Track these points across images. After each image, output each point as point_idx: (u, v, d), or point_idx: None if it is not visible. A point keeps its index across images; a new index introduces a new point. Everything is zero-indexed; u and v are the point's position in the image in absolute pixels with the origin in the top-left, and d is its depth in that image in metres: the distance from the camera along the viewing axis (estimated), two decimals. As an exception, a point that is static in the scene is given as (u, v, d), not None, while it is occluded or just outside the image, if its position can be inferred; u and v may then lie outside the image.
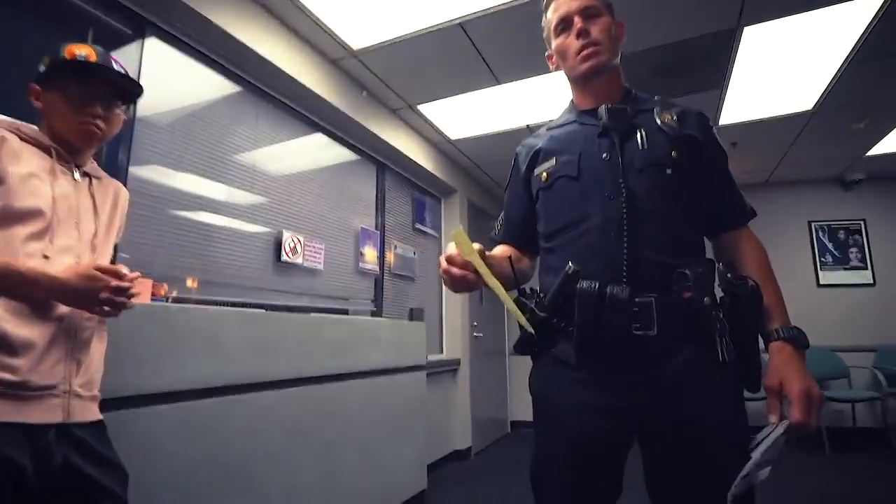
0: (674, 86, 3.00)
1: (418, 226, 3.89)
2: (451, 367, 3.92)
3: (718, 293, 0.92)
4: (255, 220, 2.39)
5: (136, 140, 1.88)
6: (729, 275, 0.92)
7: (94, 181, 1.16)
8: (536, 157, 1.09)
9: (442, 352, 4.04)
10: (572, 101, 1.14)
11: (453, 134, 3.68)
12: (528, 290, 0.98)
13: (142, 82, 1.89)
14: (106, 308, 0.98)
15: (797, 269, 4.80)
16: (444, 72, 2.82)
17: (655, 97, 1.07)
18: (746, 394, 0.93)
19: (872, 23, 2.38)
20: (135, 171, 1.87)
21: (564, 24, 1.04)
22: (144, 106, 1.92)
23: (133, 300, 1.03)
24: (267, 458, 1.79)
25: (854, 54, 2.65)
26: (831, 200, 4.86)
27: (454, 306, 4.12)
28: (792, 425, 0.80)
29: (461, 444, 3.90)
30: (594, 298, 0.87)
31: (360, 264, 3.08)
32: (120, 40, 1.88)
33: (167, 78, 2.05)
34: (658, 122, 0.99)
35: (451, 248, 0.86)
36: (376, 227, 3.35)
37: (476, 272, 0.84)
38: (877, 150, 4.09)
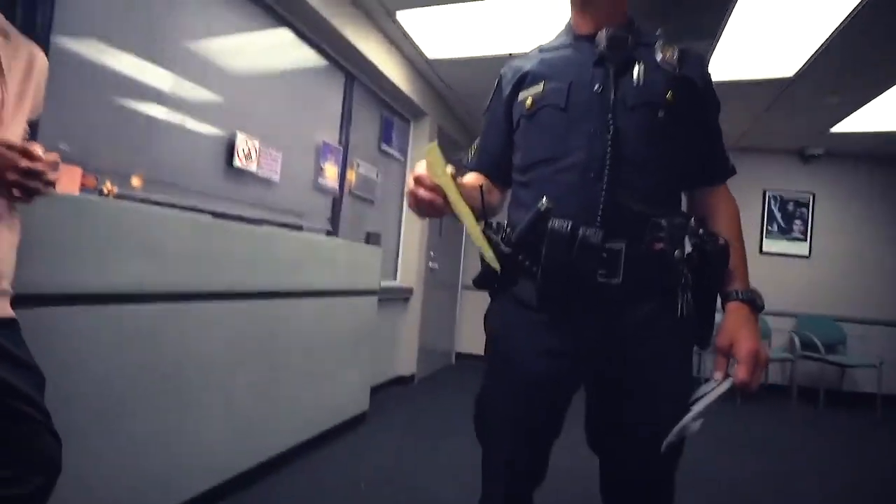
0: (673, 26, 2.86)
1: (384, 147, 3.70)
2: (403, 296, 3.92)
3: (688, 248, 0.90)
4: (206, 117, 2.16)
5: (60, 3, 1.59)
6: (701, 230, 0.89)
7: (0, 39, 0.97)
8: (523, 80, 0.99)
9: (395, 279, 4.02)
10: (569, 22, 1.02)
11: (431, 53, 3.43)
12: (494, 225, 0.92)
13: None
14: (14, 192, 0.84)
15: (744, 235, 5.01)
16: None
17: (658, 30, 0.97)
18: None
19: (873, -9, 2.31)
20: (59, 41, 1.60)
21: None
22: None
23: (50, 187, 0.89)
24: (203, 371, 1.73)
25: (845, 25, 2.59)
26: (788, 172, 5.01)
27: (412, 235, 4.06)
28: (735, 384, 0.81)
29: (406, 370, 4.00)
30: (565, 239, 0.82)
31: (319, 180, 2.92)
32: None
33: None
34: (658, 57, 0.90)
35: (421, 167, 0.77)
36: (339, 143, 3.16)
37: (445, 197, 0.76)
38: (840, 127, 4.18)
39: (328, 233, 3.07)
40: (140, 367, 1.49)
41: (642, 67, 0.90)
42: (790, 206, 4.98)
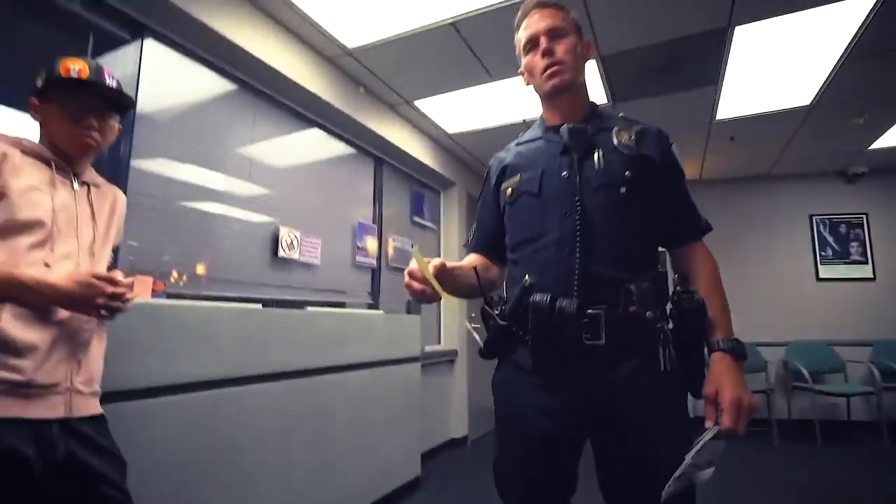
0: (670, 82, 3.01)
1: (416, 218, 3.95)
2: (448, 358, 4.01)
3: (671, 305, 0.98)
4: (251, 216, 2.47)
5: (137, 136, 1.96)
6: (678, 288, 0.98)
7: (92, 189, 1.24)
8: (504, 172, 1.15)
9: (440, 342, 4.13)
10: (541, 115, 1.18)
11: (451, 128, 3.72)
12: (495, 298, 1.05)
13: (140, 82, 1.99)
14: (102, 312, 1.06)
15: (797, 262, 4.81)
16: (439, 69, 2.85)
17: (620, 114, 1.12)
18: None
19: (866, 21, 2.37)
20: (136, 164, 1.96)
21: (532, 43, 1.09)
22: (144, 103, 1.99)
23: (128, 304, 1.11)
24: (259, 449, 1.89)
25: (849, 52, 2.64)
26: (833, 194, 4.84)
27: (452, 299, 4.19)
28: (721, 431, 0.86)
29: (457, 432, 4.01)
30: (545, 310, 0.93)
31: (357, 258, 3.16)
32: (119, 44, 1.94)
33: (165, 78, 2.11)
34: (615, 141, 1.04)
35: (412, 265, 0.93)
36: (373, 221, 3.42)
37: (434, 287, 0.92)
38: (879, 143, 4.06)
39: (369, 305, 3.27)
40: (202, 447, 1.67)
41: (601, 152, 1.03)
42: (842, 229, 4.77)
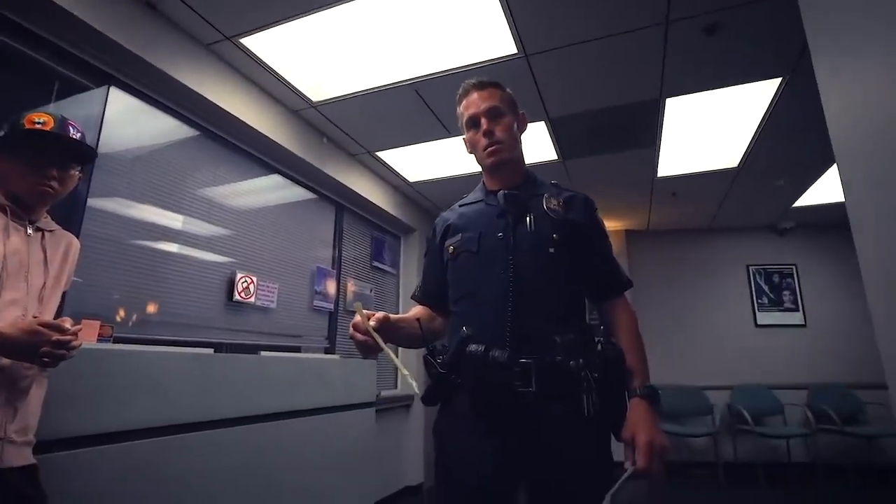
0: (613, 143, 3.28)
1: (376, 263, 4.01)
2: (404, 404, 3.99)
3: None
4: (208, 257, 2.48)
5: (96, 176, 1.98)
6: (602, 339, 1.08)
7: (46, 234, 1.26)
8: (447, 231, 1.26)
9: (397, 387, 4.11)
10: (483, 181, 1.31)
11: (412, 176, 3.87)
12: (438, 347, 1.13)
13: (104, 124, 2.03)
14: (46, 360, 1.07)
15: (737, 310, 5.11)
16: (400, 124, 3.02)
17: (552, 182, 1.26)
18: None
19: (774, 100, 2.70)
20: (93, 203, 1.97)
21: (473, 122, 1.22)
22: (106, 145, 2.03)
23: (73, 351, 1.12)
24: (206, 498, 1.84)
25: (764, 124, 2.98)
26: (766, 246, 5.23)
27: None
28: (636, 471, 0.95)
29: (413, 480, 3.94)
30: (479, 360, 1.02)
31: (315, 302, 3.17)
32: (84, 89, 1.99)
33: (128, 122, 2.16)
34: (545, 206, 1.17)
35: (356, 318, 1.00)
36: (333, 265, 3.47)
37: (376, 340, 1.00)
38: (802, 201, 4.47)
39: (326, 350, 3.26)
40: (145, 497, 1.62)
41: (533, 216, 1.15)
42: (775, 278, 5.13)
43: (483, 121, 1.19)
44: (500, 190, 1.20)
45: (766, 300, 5.09)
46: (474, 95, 1.22)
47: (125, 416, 1.60)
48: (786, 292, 5.08)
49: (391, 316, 1.06)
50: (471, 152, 1.29)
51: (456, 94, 1.30)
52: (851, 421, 4.35)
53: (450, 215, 1.30)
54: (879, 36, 0.97)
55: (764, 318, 5.05)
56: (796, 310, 5.01)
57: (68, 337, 1.08)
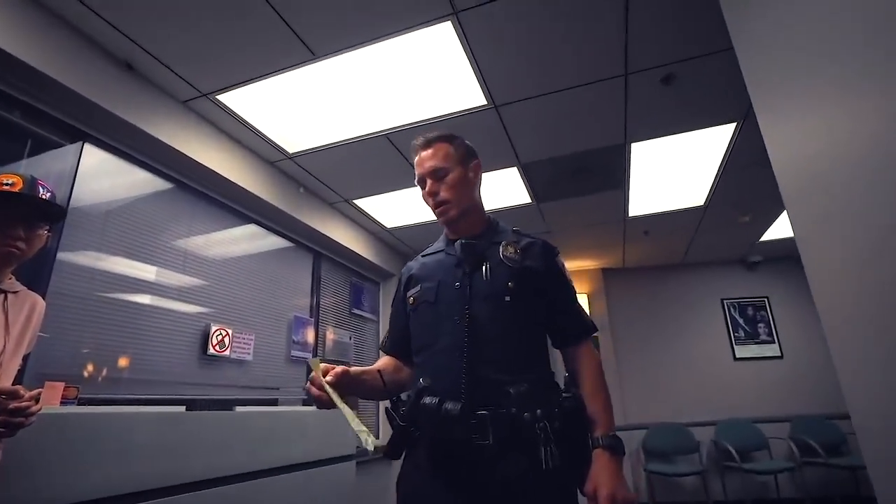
0: (583, 185, 3.39)
1: (355, 310, 3.98)
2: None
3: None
4: (182, 308, 2.43)
5: (66, 231, 1.95)
6: (562, 388, 1.07)
7: (9, 297, 1.23)
8: (409, 281, 1.26)
9: (378, 437, 3.99)
10: (444, 231, 1.31)
11: (389, 223, 3.91)
12: (402, 398, 1.11)
13: (77, 181, 2.02)
14: (1, 429, 1.02)
15: (715, 343, 5.17)
16: (375, 173, 3.08)
17: (513, 229, 1.26)
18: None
19: (732, 142, 2.86)
20: (63, 257, 1.93)
21: (421, 183, 1.23)
22: (78, 199, 2.01)
23: (32, 418, 1.08)
24: (173, 569, 1.73)
25: (725, 164, 3.13)
26: (738, 279, 5.37)
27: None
28: None
29: (397, 536, 3.76)
30: (434, 413, 1.00)
31: (292, 352, 3.11)
32: (58, 147, 1.99)
33: (102, 176, 2.15)
34: (500, 255, 1.16)
35: (314, 374, 1.01)
36: (311, 314, 3.42)
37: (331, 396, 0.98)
38: (768, 236, 4.64)
39: (304, 401, 3.17)
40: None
41: (489, 265, 1.15)
42: (749, 311, 5.24)
43: (427, 182, 1.20)
44: (459, 239, 1.20)
45: (742, 333, 5.17)
46: (420, 154, 1.23)
47: (89, 485, 1.51)
48: (760, 324, 5.18)
49: (351, 369, 1.05)
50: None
51: None
52: (835, 452, 4.36)
53: (413, 265, 1.30)
54: (813, 91, 1.05)
55: (742, 351, 5.11)
56: (772, 342, 5.10)
57: (25, 403, 1.04)
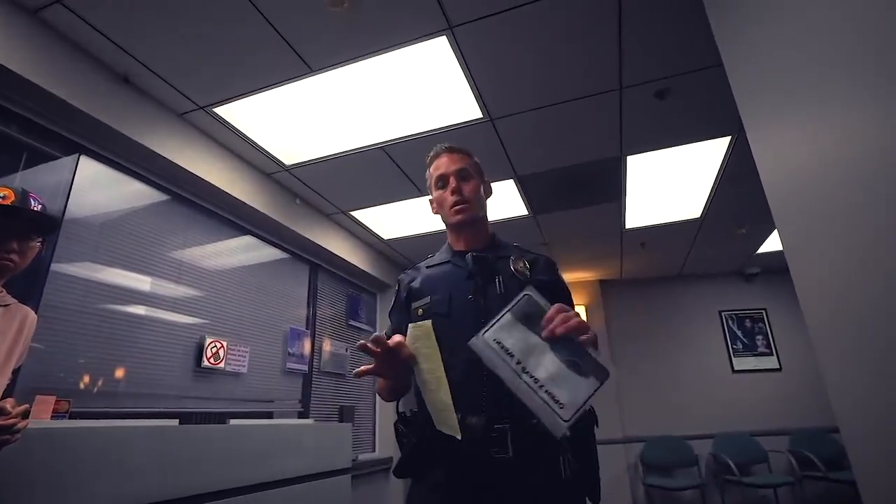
0: (579, 198, 3.40)
1: (352, 322, 3.96)
2: (384, 466, 3.82)
3: None
4: (177, 320, 2.41)
5: (60, 243, 1.94)
6: None
7: (0, 310, 1.23)
8: (413, 292, 1.26)
9: (375, 450, 3.95)
10: (448, 242, 1.33)
11: (386, 234, 3.91)
12: (408, 415, 1.10)
13: (73, 193, 2.02)
14: (-14, 445, 1.01)
15: (714, 356, 5.15)
16: (372, 184, 3.08)
17: (514, 245, 1.28)
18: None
19: (727, 154, 2.87)
20: (56, 268, 1.93)
21: (443, 181, 1.26)
22: (73, 211, 2.01)
23: (18, 434, 1.06)
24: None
25: (721, 176, 3.14)
26: (736, 291, 5.36)
27: (388, 404, 4.10)
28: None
29: (393, 552, 3.71)
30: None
31: (288, 364, 3.09)
32: (54, 159, 2.00)
33: (98, 188, 2.16)
34: (512, 269, 1.18)
35: (397, 338, 1.00)
36: (307, 325, 3.41)
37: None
38: (765, 248, 4.64)
39: (300, 414, 3.14)
40: None
41: (501, 278, 1.17)
42: (747, 323, 5.22)
43: (452, 179, 1.24)
44: (466, 251, 1.22)
45: (740, 345, 5.15)
46: (444, 158, 1.28)
47: (78, 501, 1.49)
48: (759, 336, 5.16)
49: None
50: (437, 212, 1.31)
51: (425, 155, 1.34)
52: (835, 466, 4.31)
53: (415, 274, 1.30)
54: (800, 106, 1.06)
55: (740, 363, 5.09)
56: (770, 354, 5.08)
57: (11, 420, 1.03)
